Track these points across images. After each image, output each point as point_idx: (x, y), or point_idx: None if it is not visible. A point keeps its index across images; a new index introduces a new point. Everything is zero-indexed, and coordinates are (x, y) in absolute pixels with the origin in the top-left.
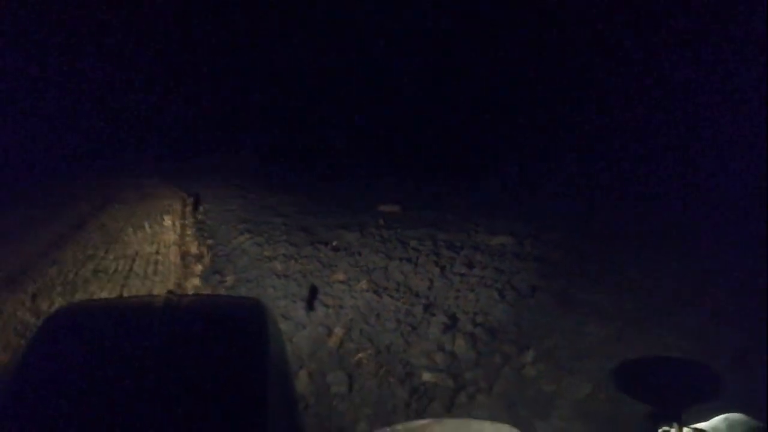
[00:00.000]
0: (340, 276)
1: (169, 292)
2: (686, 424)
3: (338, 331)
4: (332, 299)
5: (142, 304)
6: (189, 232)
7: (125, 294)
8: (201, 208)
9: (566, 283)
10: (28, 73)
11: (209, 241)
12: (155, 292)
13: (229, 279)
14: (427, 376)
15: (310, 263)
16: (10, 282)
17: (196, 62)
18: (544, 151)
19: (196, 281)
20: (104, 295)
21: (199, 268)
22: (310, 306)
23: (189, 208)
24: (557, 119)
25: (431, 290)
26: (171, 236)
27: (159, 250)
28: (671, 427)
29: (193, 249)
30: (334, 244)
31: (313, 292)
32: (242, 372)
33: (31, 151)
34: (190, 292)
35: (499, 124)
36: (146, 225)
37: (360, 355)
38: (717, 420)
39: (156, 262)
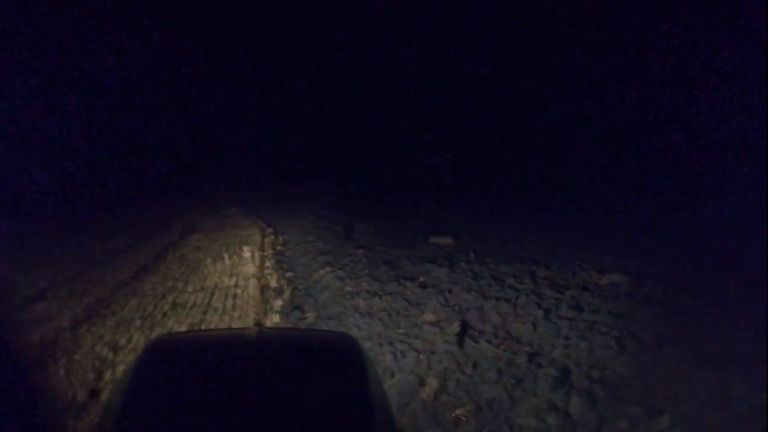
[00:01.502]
0: (430, 317)
1: (257, 324)
2: None
3: (432, 381)
4: (423, 343)
5: (235, 336)
6: (268, 264)
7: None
8: (280, 239)
9: (700, 334)
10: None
11: (289, 274)
12: (234, 327)
13: (310, 315)
14: None
15: (396, 301)
16: (90, 314)
17: (274, 89)
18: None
19: (276, 317)
20: (182, 330)
21: (278, 303)
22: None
23: (268, 239)
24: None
25: (535, 336)
26: (250, 268)
27: (238, 282)
28: None
29: (273, 282)
30: (422, 280)
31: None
32: (348, 408)
33: (108, 177)
34: None
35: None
36: (225, 256)
37: (458, 411)
38: None
39: (235, 296)
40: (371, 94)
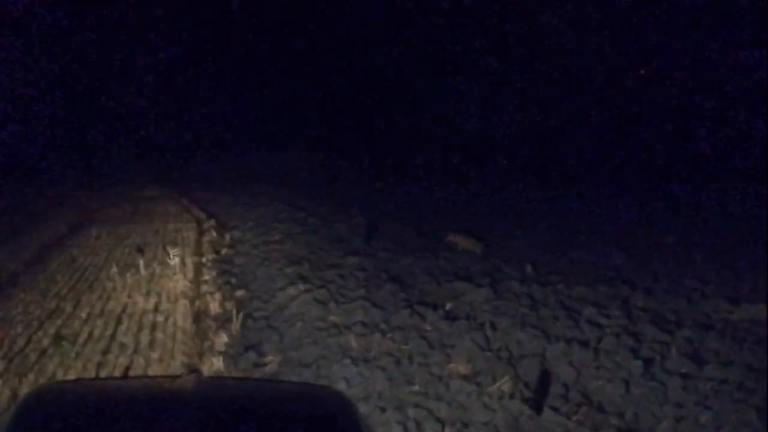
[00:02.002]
0: (462, 367)
1: (193, 371)
2: None
3: None
4: (450, 409)
5: (157, 389)
6: (208, 278)
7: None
8: (227, 238)
9: None
10: None
11: (239, 294)
12: (152, 374)
13: (272, 360)
14: None
15: (408, 340)
16: None
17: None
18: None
19: (218, 361)
20: (72, 378)
21: (222, 339)
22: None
23: (209, 238)
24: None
25: (629, 402)
26: (179, 283)
27: (159, 305)
28: None
29: (214, 306)
30: (448, 307)
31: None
32: None
33: None
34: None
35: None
36: (140, 263)
37: None
38: None
39: (154, 326)
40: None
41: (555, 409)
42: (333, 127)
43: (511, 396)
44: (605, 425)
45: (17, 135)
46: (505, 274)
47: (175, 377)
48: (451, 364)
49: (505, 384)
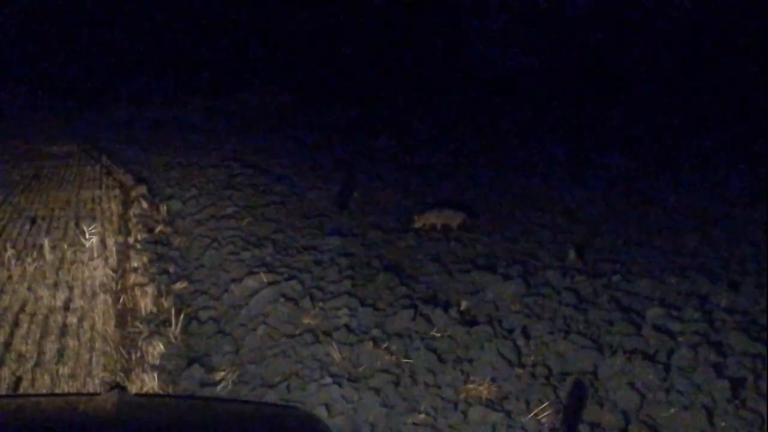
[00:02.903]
0: (483, 389)
1: (118, 386)
2: None
3: None
4: None
5: (71, 409)
6: (137, 264)
7: None
8: (163, 210)
9: None
10: None
11: (180, 286)
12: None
13: (224, 377)
14: None
15: (411, 352)
16: None
17: None
18: None
19: (151, 379)
20: None
21: (157, 347)
22: None
23: (137, 209)
24: None
25: None
26: (98, 272)
27: (71, 301)
28: None
29: (146, 303)
30: (464, 307)
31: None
32: None
33: None
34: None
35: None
36: (44, 244)
37: None
38: None
39: (64, 330)
40: None
41: None
42: (302, 61)
43: (552, 430)
44: None
45: None
46: (540, 261)
47: (92, 395)
48: (470, 385)
49: (543, 413)
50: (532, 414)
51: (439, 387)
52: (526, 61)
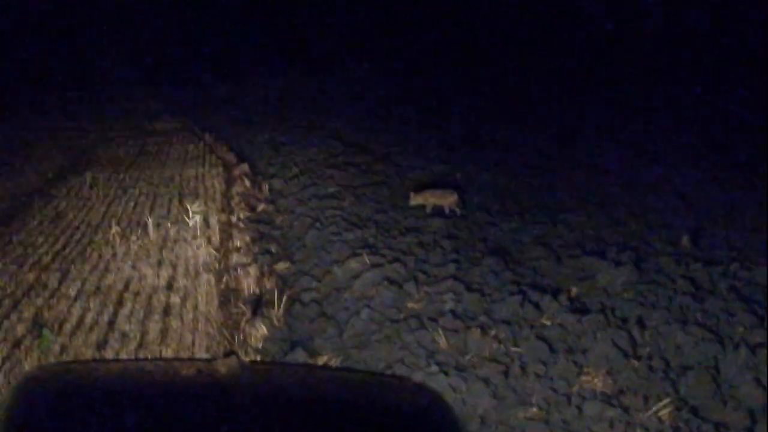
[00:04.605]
0: (598, 381)
1: (232, 353)
2: None
3: None
4: None
5: (190, 373)
6: (239, 244)
7: None
8: (265, 189)
9: None
10: None
11: (282, 266)
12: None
13: (327, 361)
14: None
15: (521, 340)
16: None
17: None
18: None
19: (255, 359)
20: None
21: (260, 330)
22: None
23: (241, 188)
24: None
25: None
26: (201, 251)
27: (174, 281)
28: None
29: (248, 283)
30: (575, 294)
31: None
32: None
33: None
34: None
35: None
36: (148, 222)
37: None
38: None
39: (167, 310)
40: None
41: None
42: (412, 40)
43: (674, 428)
44: None
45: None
46: (652, 246)
47: (207, 361)
48: (584, 377)
49: (663, 410)
50: (651, 411)
51: (550, 378)
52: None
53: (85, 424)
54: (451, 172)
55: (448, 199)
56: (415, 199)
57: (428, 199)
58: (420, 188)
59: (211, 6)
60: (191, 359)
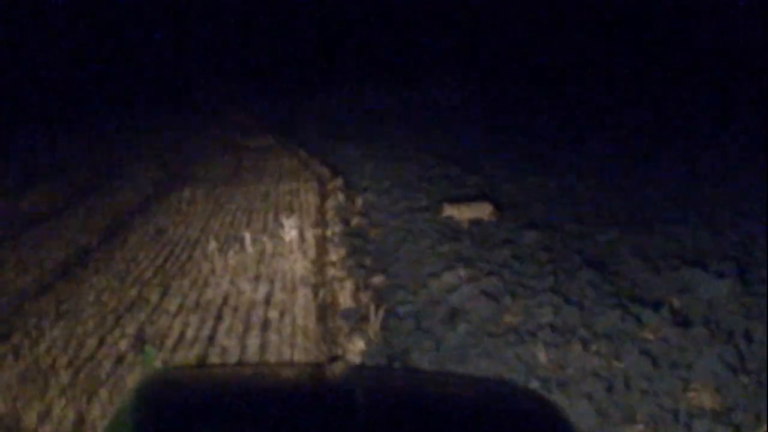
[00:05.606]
0: (706, 398)
1: (340, 357)
2: None
3: None
4: None
5: (301, 378)
6: (334, 258)
7: None
8: (359, 203)
9: None
10: None
11: (377, 280)
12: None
13: None
14: None
15: (623, 354)
16: None
17: None
18: None
19: None
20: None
21: (357, 344)
22: None
23: (335, 201)
24: None
25: None
26: (298, 265)
27: (272, 295)
28: None
29: (344, 298)
30: (677, 306)
31: None
32: None
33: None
34: None
35: None
36: (246, 237)
37: None
38: None
39: (265, 324)
40: None
41: None
42: (504, 54)
43: None
44: None
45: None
46: (755, 257)
47: (317, 364)
48: (690, 393)
49: None
50: (764, 429)
51: (656, 394)
52: None
53: (207, 426)
54: (545, 183)
55: (484, 211)
56: (449, 211)
57: (463, 211)
58: (453, 200)
59: (302, 23)
60: (304, 363)
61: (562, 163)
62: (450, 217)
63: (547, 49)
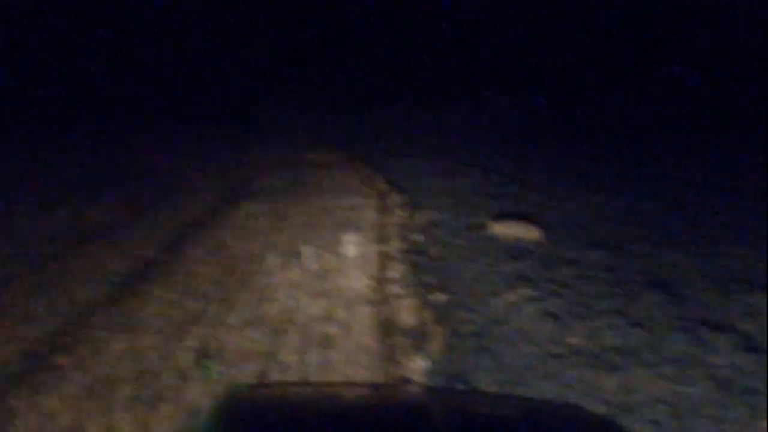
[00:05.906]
0: None
1: (404, 379)
2: None
3: None
4: None
5: (371, 397)
6: (395, 275)
7: None
8: (419, 218)
9: None
10: None
11: (438, 298)
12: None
13: None
14: None
15: (692, 380)
16: None
17: None
18: None
19: None
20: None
21: (418, 363)
22: None
23: (395, 218)
24: None
25: None
26: (358, 281)
27: (333, 311)
28: None
29: (406, 316)
30: (744, 331)
31: None
32: None
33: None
34: None
35: None
36: (307, 252)
37: None
38: None
39: (326, 341)
40: None
41: None
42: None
43: None
44: None
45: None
46: None
47: (384, 385)
48: (762, 422)
49: None
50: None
51: (726, 422)
52: None
53: None
54: (608, 202)
55: (530, 233)
56: (495, 229)
57: (509, 230)
58: (500, 218)
59: (359, 40)
60: (373, 384)
61: (626, 183)
62: (503, 235)
63: (613, 74)
